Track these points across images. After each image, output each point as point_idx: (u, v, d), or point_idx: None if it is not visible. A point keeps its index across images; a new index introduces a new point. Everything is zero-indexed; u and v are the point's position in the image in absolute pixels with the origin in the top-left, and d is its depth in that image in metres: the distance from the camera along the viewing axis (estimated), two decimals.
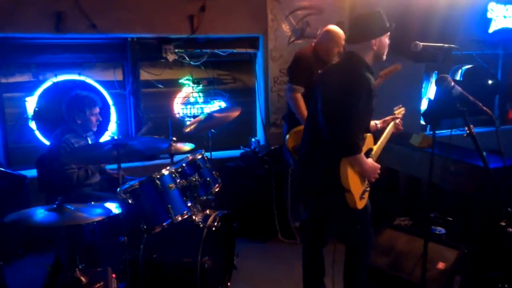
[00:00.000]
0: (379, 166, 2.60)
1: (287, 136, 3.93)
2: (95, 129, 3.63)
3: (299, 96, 3.80)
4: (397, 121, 2.95)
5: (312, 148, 2.64)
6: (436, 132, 2.55)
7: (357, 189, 2.50)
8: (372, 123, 2.84)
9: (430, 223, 3.40)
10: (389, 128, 2.90)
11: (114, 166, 3.07)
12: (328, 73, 2.70)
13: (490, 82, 6.23)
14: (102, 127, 4.44)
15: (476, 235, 3.36)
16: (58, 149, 3.38)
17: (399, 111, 3.02)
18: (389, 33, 2.61)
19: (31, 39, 4.22)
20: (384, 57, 2.64)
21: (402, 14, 4.86)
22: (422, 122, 5.76)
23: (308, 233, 2.96)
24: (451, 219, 3.53)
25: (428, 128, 5.77)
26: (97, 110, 3.57)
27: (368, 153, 2.60)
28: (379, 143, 2.77)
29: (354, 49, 2.59)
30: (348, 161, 2.43)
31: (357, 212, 2.54)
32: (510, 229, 2.07)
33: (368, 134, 2.64)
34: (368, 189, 2.62)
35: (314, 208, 2.84)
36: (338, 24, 4.94)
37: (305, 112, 3.79)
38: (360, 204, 2.53)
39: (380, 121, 2.94)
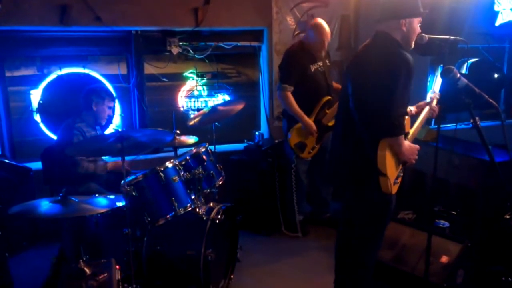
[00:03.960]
0: (417, 146, 2.53)
1: (289, 134, 3.93)
2: (103, 122, 3.68)
3: (288, 94, 3.87)
4: (433, 105, 2.87)
5: (345, 137, 2.57)
6: (441, 126, 2.54)
7: (393, 173, 2.43)
8: (407, 108, 2.75)
9: (434, 217, 3.39)
10: (425, 112, 2.82)
11: (118, 159, 3.08)
12: (359, 57, 2.58)
13: (496, 75, 6.17)
14: (107, 120, 4.45)
15: (480, 229, 3.35)
16: (70, 136, 3.41)
17: (434, 96, 2.95)
18: (420, 19, 2.48)
19: (35, 32, 4.23)
20: (412, 44, 2.50)
21: None
22: None
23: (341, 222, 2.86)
24: (455, 213, 3.53)
25: (433, 122, 5.73)
26: (112, 104, 3.66)
27: (405, 137, 2.55)
28: (415, 126, 2.69)
29: (383, 29, 2.47)
30: (388, 144, 2.35)
31: (386, 199, 2.48)
32: None
33: (406, 117, 2.56)
34: (401, 174, 2.55)
35: (347, 197, 2.75)
36: (343, 17, 4.96)
37: (297, 109, 3.85)
38: (394, 189, 2.46)
39: (414, 106, 2.88)
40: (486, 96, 2.28)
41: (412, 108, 2.85)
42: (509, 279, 2.72)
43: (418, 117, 2.79)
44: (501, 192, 2.24)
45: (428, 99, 2.93)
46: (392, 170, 2.42)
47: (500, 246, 3.09)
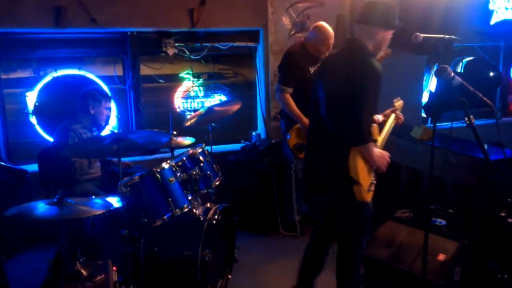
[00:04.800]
0: (388, 153, 2.56)
1: (289, 135, 3.93)
2: (103, 123, 3.68)
3: (287, 96, 3.85)
4: (398, 113, 2.94)
5: (317, 143, 2.60)
6: (437, 124, 2.55)
7: (366, 181, 2.46)
8: (374, 117, 2.81)
9: (431, 215, 3.40)
10: (391, 120, 2.88)
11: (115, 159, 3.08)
12: (329, 64, 2.64)
13: (491, 74, 6.19)
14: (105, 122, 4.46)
15: (477, 227, 3.36)
16: (66, 138, 3.40)
17: (399, 104, 3.01)
18: (393, 31, 2.55)
19: (31, 34, 4.21)
20: (380, 53, 2.57)
21: (404, 5, 4.84)
22: (423, 115, 5.75)
23: (317, 231, 2.90)
24: (452, 211, 3.54)
25: (429, 121, 5.76)
26: (109, 105, 3.66)
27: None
28: (382, 135, 2.74)
29: (357, 35, 2.52)
30: (359, 151, 2.38)
31: (362, 205, 2.51)
32: (510, 220, 2.07)
33: (374, 125, 2.61)
34: (375, 181, 2.58)
35: (321, 204, 2.78)
36: (338, 18, 4.97)
37: (297, 111, 3.84)
38: (368, 197, 2.49)
39: (381, 114, 2.92)
40: (481, 95, 2.30)
41: (379, 117, 2.88)
42: (505, 276, 2.73)
43: (385, 125, 2.84)
44: (497, 189, 2.25)
45: (393, 106, 2.98)
46: (365, 178, 2.44)
47: (496, 243, 3.10)
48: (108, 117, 3.72)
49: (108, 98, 3.66)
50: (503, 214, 2.09)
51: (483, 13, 5.78)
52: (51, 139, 4.13)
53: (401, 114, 2.95)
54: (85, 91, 3.63)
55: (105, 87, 4.54)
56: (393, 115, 2.91)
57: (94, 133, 3.64)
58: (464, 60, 6.03)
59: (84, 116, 3.57)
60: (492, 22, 5.84)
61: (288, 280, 3.47)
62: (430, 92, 5.84)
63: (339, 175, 2.44)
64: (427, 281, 2.82)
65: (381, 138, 2.70)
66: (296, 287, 2.92)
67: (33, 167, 3.97)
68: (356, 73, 2.37)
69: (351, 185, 2.41)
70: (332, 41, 3.87)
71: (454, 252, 3.05)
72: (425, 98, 5.78)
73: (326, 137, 2.49)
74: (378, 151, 2.51)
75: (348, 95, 2.34)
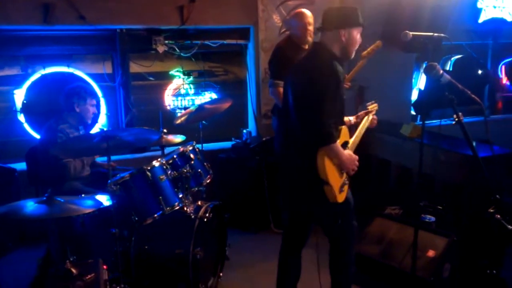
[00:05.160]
0: (356, 157, 2.58)
1: None
2: (90, 121, 3.63)
3: (281, 90, 3.82)
4: (371, 115, 2.95)
5: (288, 144, 2.63)
6: (426, 122, 2.57)
7: (336, 182, 2.47)
8: (346, 118, 2.82)
9: (420, 212, 3.42)
10: (364, 122, 2.88)
11: (104, 158, 3.06)
12: (296, 67, 2.68)
13: (480, 72, 6.26)
14: (92, 119, 4.41)
15: (466, 223, 3.39)
16: (54, 138, 3.35)
17: (373, 107, 3.02)
18: (360, 29, 2.56)
19: (19, 31, 4.17)
20: (352, 55, 2.58)
21: (393, 4, 4.87)
22: (413, 112, 5.79)
23: (288, 232, 2.89)
24: (441, 207, 3.57)
25: (418, 118, 5.80)
26: (95, 102, 3.60)
27: (344, 146, 2.58)
28: (354, 136, 2.75)
29: (322, 40, 2.56)
30: (325, 152, 2.40)
31: (337, 206, 2.51)
32: (498, 216, 2.09)
33: (343, 127, 2.61)
34: (347, 182, 2.59)
35: (295, 204, 2.77)
36: None
37: None
38: (340, 198, 2.50)
39: (354, 116, 2.94)
40: (469, 92, 2.31)
41: (351, 118, 2.90)
42: (494, 272, 2.76)
43: (358, 126, 2.85)
44: (486, 186, 2.28)
45: (367, 109, 2.99)
46: (335, 179, 2.45)
47: (485, 239, 3.13)
48: (95, 115, 3.67)
49: (93, 95, 3.59)
50: (491, 210, 2.11)
51: (471, 12, 5.83)
52: (39, 137, 4.09)
53: (375, 116, 2.96)
54: (69, 88, 3.55)
55: (94, 85, 4.50)
56: (366, 117, 2.92)
57: (81, 132, 3.60)
58: (452, 58, 6.09)
59: (70, 114, 3.51)
60: (480, 21, 5.89)
61: None
62: (419, 90, 5.88)
63: (309, 177, 2.45)
64: (417, 277, 2.84)
65: (352, 140, 2.70)
66: None
67: (22, 166, 3.92)
68: (316, 76, 2.41)
69: (322, 185, 2.42)
70: (312, 26, 3.88)
71: (444, 249, 3.08)
72: (414, 96, 5.83)
73: (297, 140, 2.51)
74: (348, 153, 2.52)
75: (309, 97, 2.38)
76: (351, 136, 2.73)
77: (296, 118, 2.45)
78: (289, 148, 2.62)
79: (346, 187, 2.58)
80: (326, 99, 2.35)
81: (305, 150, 2.45)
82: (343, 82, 2.49)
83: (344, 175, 2.56)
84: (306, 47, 3.95)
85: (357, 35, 2.54)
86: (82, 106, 3.50)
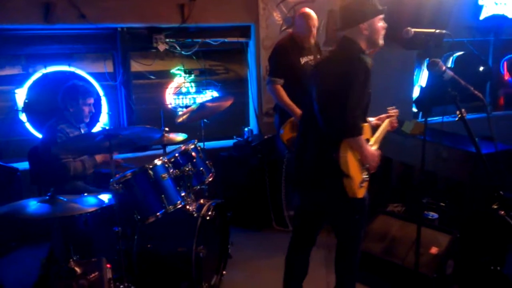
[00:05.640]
0: (379, 152, 2.58)
1: (282, 129, 3.93)
2: (87, 120, 3.60)
3: (279, 87, 3.85)
4: (392, 119, 2.94)
5: (308, 139, 2.60)
6: (428, 119, 2.56)
7: (357, 176, 2.46)
8: (367, 119, 2.81)
9: (423, 209, 3.42)
10: (385, 124, 2.88)
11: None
12: (322, 62, 2.67)
13: (481, 68, 6.25)
14: (94, 118, 4.41)
15: (468, 220, 3.39)
16: (54, 138, 3.35)
17: (394, 111, 3.02)
18: (382, 16, 2.52)
19: (20, 31, 4.16)
20: (380, 42, 2.54)
21: (394, 1, 4.86)
22: (414, 109, 5.79)
23: (298, 230, 2.89)
24: (444, 204, 3.57)
25: (420, 115, 5.79)
26: (91, 100, 3.54)
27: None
28: (375, 137, 2.75)
29: (346, 35, 2.53)
30: (349, 145, 2.39)
31: (355, 201, 2.50)
32: (502, 212, 2.09)
33: (365, 124, 2.61)
34: (367, 179, 2.57)
35: (310, 200, 2.76)
36: (329, 13, 4.97)
37: (289, 101, 3.83)
38: (360, 193, 2.48)
39: (375, 118, 2.92)
40: (472, 88, 2.31)
41: (372, 119, 2.89)
42: (498, 268, 2.76)
43: (378, 128, 2.85)
44: (488, 183, 2.27)
45: (388, 112, 2.99)
46: (356, 173, 2.44)
47: (488, 236, 3.13)
48: (94, 113, 3.63)
49: (86, 95, 3.50)
50: (495, 207, 2.11)
51: (473, 8, 5.82)
52: (41, 137, 4.09)
53: (396, 120, 2.95)
54: (63, 89, 3.52)
55: (95, 84, 4.50)
56: (387, 120, 2.92)
57: (82, 130, 3.60)
58: (454, 55, 6.07)
59: (68, 114, 3.50)
60: (481, 17, 5.88)
61: (282, 275, 3.49)
62: (421, 87, 5.88)
63: (329, 169, 2.44)
64: (420, 274, 2.84)
65: (373, 139, 2.71)
66: None
67: (24, 165, 3.92)
68: (345, 68, 2.39)
69: (341, 178, 2.41)
70: (316, 28, 3.89)
71: (447, 245, 3.08)
72: (415, 93, 5.82)
73: (317, 134, 2.50)
74: (370, 148, 2.52)
75: (337, 89, 2.36)
76: (372, 136, 2.73)
77: (319, 111, 2.43)
78: (307, 145, 2.60)
79: (365, 184, 2.56)
80: (354, 91, 2.33)
81: (327, 143, 2.43)
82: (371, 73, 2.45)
83: (365, 172, 2.55)
84: (307, 46, 3.96)
85: (378, 22, 2.50)
86: (75, 106, 3.46)
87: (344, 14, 2.56)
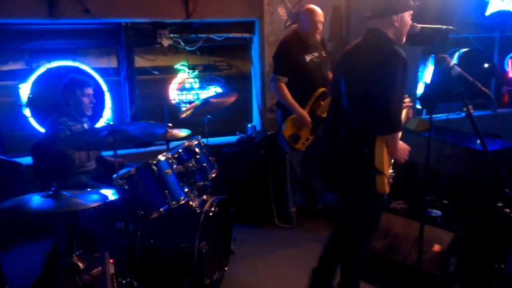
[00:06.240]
0: (408, 147, 2.56)
1: (284, 125, 3.92)
2: (89, 113, 3.59)
3: (282, 85, 3.85)
4: (407, 109, 2.91)
5: (338, 135, 2.55)
6: (433, 116, 2.55)
7: (387, 173, 2.44)
8: None
9: (426, 206, 3.41)
10: (402, 115, 2.85)
11: (111, 153, 3.05)
12: (352, 54, 2.57)
13: (486, 65, 6.21)
14: (97, 113, 4.41)
15: (472, 218, 3.38)
16: (56, 132, 3.35)
17: (408, 100, 2.99)
18: (411, 12, 2.49)
19: (24, 25, 4.16)
20: (404, 38, 2.52)
21: None
22: (418, 106, 5.75)
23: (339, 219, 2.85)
24: (447, 202, 3.55)
25: (424, 112, 5.76)
26: (89, 91, 3.52)
27: None
28: None
29: (375, 26, 2.48)
30: (384, 141, 2.36)
31: (380, 197, 2.49)
32: (507, 210, 2.08)
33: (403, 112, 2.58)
34: (393, 174, 2.55)
35: (339, 194, 2.75)
36: (334, 8, 4.94)
37: (292, 100, 3.83)
38: (388, 188, 2.47)
39: None
40: (479, 85, 2.29)
41: None
42: (502, 266, 2.75)
43: None
44: (493, 180, 2.26)
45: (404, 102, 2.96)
46: (387, 169, 2.43)
47: (492, 233, 3.12)
48: (93, 104, 3.59)
49: (83, 85, 3.49)
50: (500, 204, 2.10)
51: (478, 4, 5.78)
52: (44, 131, 4.09)
53: (410, 111, 2.93)
54: (62, 82, 3.53)
55: (99, 79, 4.50)
56: (404, 111, 2.89)
57: (85, 124, 3.60)
58: (459, 51, 6.04)
59: (69, 108, 3.51)
60: (487, 13, 5.83)
61: (284, 271, 3.50)
62: (425, 83, 5.84)
63: (361, 165, 2.40)
64: (422, 272, 2.84)
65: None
66: (317, 268, 2.88)
67: (27, 160, 3.93)
68: (383, 61, 2.33)
69: (374, 175, 2.37)
70: (321, 25, 3.87)
71: (449, 243, 3.07)
72: (420, 89, 5.79)
73: (348, 128, 2.45)
74: (401, 143, 2.50)
75: (376, 83, 2.30)
76: None
77: (351, 107, 2.40)
78: (336, 139, 2.56)
79: (391, 179, 2.54)
80: (395, 86, 2.29)
81: (358, 140, 2.39)
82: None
83: (391, 166, 2.53)
84: (312, 43, 3.94)
85: (408, 17, 2.48)
86: (74, 98, 3.47)
87: (379, 2, 2.50)
